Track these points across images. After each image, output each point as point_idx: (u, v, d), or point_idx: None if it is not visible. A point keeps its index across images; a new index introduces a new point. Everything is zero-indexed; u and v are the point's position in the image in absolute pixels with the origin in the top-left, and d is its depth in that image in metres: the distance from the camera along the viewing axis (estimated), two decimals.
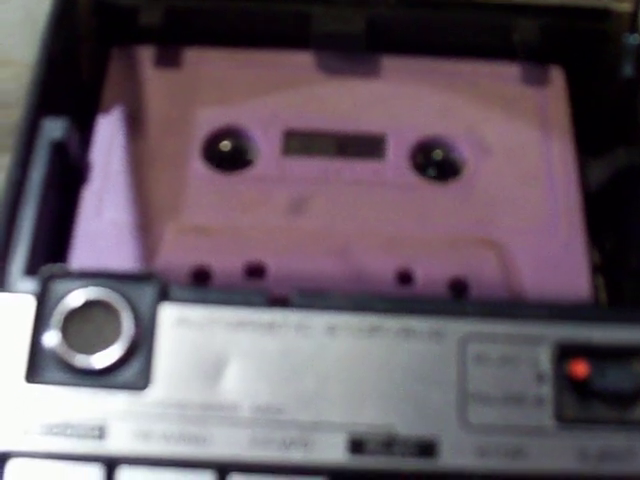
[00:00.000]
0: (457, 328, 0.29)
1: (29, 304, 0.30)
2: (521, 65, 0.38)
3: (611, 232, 0.36)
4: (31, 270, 0.31)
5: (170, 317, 0.29)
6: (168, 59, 0.38)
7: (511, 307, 0.30)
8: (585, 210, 0.35)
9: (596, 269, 0.35)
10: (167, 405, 0.29)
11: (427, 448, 0.28)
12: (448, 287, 0.32)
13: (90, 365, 0.29)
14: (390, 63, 0.38)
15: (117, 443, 0.28)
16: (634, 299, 0.34)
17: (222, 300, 0.30)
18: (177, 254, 0.33)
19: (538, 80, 0.38)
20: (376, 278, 0.32)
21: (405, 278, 0.32)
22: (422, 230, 0.34)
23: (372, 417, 0.28)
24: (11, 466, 0.28)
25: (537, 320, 0.29)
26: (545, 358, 0.29)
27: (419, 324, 0.29)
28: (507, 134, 0.36)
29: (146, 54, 0.38)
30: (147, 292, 0.30)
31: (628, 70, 0.36)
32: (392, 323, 0.29)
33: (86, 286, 0.30)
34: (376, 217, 0.34)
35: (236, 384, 0.29)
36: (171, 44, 0.38)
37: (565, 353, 0.29)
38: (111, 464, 0.28)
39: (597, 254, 0.36)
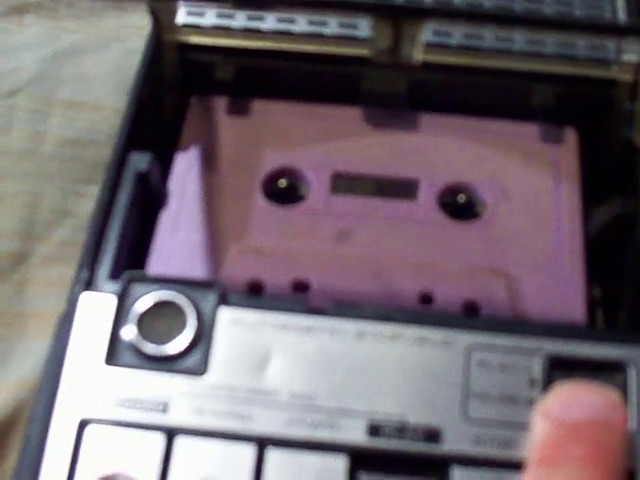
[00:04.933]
0: (464, 339, 0.33)
1: (112, 302, 0.34)
2: (538, 125, 0.41)
3: (610, 270, 0.39)
4: (115, 275, 0.35)
5: (227, 318, 0.33)
6: (238, 109, 0.41)
7: (511, 324, 0.34)
8: (587, 250, 0.38)
9: (597, 302, 0.39)
10: (220, 388, 0.32)
11: (433, 435, 0.32)
12: (462, 308, 0.36)
13: (159, 353, 0.33)
14: (426, 119, 0.41)
15: (177, 417, 0.32)
16: (628, 326, 0.37)
17: (269, 306, 0.34)
18: (237, 270, 0.37)
19: (553, 139, 0.41)
20: (402, 297, 0.36)
21: (426, 299, 0.36)
22: (444, 260, 0.37)
23: (388, 407, 0.32)
24: (89, 431, 0.32)
25: (532, 335, 0.33)
26: (537, 367, 0.32)
27: (433, 334, 0.33)
28: (524, 183, 0.39)
29: (220, 103, 0.42)
30: (209, 297, 0.34)
31: (627, 132, 0.39)
32: (410, 332, 0.33)
33: (158, 289, 0.34)
34: (406, 248, 0.38)
35: (277, 374, 0.33)
36: (241, 96, 0.42)
37: (554, 364, 0.33)
38: (171, 433, 0.32)
39: (598, 289, 0.39)
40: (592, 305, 0.38)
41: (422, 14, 0.36)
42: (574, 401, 0.31)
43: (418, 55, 0.38)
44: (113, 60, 0.51)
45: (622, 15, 0.43)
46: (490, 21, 0.37)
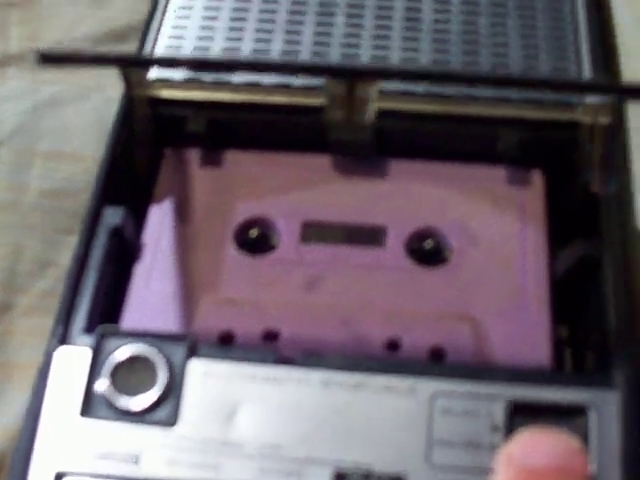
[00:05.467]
0: (428, 386, 0.34)
1: (86, 356, 0.35)
2: (505, 169, 0.41)
3: (577, 311, 0.39)
4: (89, 329, 0.36)
5: (197, 370, 0.34)
6: (211, 160, 0.42)
7: (474, 370, 0.35)
8: (553, 292, 0.38)
9: (564, 343, 0.39)
10: (190, 440, 0.33)
11: None
12: (428, 354, 0.37)
13: (131, 406, 0.34)
14: (393, 166, 0.42)
15: (149, 468, 0.33)
16: (594, 367, 0.37)
17: (239, 357, 0.35)
18: (209, 321, 0.38)
19: (520, 182, 0.41)
20: (370, 345, 0.37)
21: (393, 345, 0.37)
22: (411, 306, 0.38)
23: (354, 455, 0.33)
24: None
25: (495, 381, 0.34)
26: (499, 413, 0.33)
27: (397, 382, 0.34)
28: (491, 227, 0.40)
29: (193, 155, 0.42)
30: (180, 349, 0.35)
31: (589, 175, 0.39)
32: (375, 381, 0.34)
33: (131, 343, 0.35)
34: (374, 295, 0.38)
35: (246, 425, 0.34)
36: (214, 147, 0.42)
37: (516, 410, 0.33)
38: None
39: (566, 330, 0.39)
40: (560, 346, 0.38)
41: (376, 75, 0.37)
42: (535, 447, 0.32)
43: (370, 116, 0.39)
44: (93, 110, 0.52)
45: (587, 67, 0.43)
46: (454, 81, 0.38)
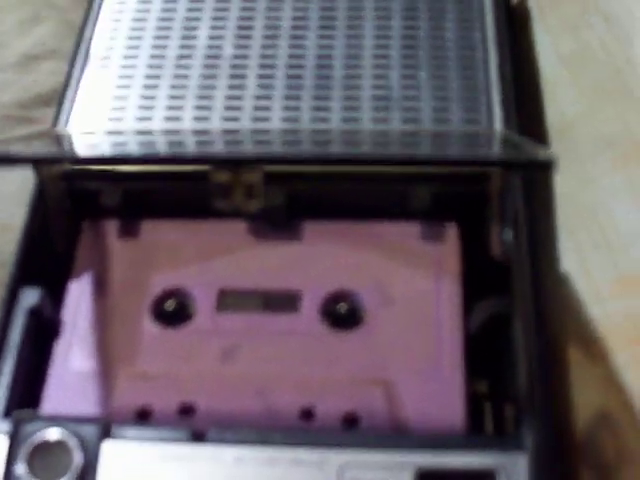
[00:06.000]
0: (338, 458, 0.34)
1: (4, 441, 0.35)
2: (420, 224, 0.42)
3: (494, 365, 0.39)
4: (7, 413, 0.36)
5: (111, 451, 0.35)
6: (128, 231, 0.43)
7: (382, 439, 0.35)
8: (468, 348, 0.39)
9: (483, 397, 0.39)
10: None
11: None
12: (342, 421, 0.37)
13: None
14: (308, 228, 0.42)
15: None
16: (514, 422, 0.37)
17: (153, 437, 0.35)
18: (126, 397, 0.38)
19: (434, 236, 0.41)
20: (284, 414, 0.37)
21: (307, 414, 0.37)
22: (325, 372, 0.38)
23: None
24: None
25: (403, 449, 0.34)
26: None
27: (308, 455, 0.34)
28: (406, 285, 0.40)
29: (111, 226, 0.43)
30: (93, 431, 0.35)
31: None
32: (286, 454, 0.34)
33: (47, 427, 0.35)
34: (289, 362, 0.39)
35: None
36: (131, 217, 0.43)
37: (424, 477, 0.34)
38: None
39: (486, 384, 0.39)
40: (478, 401, 0.39)
41: (259, 162, 0.37)
42: None
43: (255, 204, 0.39)
44: (21, 177, 0.51)
45: (498, 122, 0.43)
46: (337, 164, 0.38)
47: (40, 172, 0.41)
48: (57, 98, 0.52)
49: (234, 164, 0.37)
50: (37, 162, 0.39)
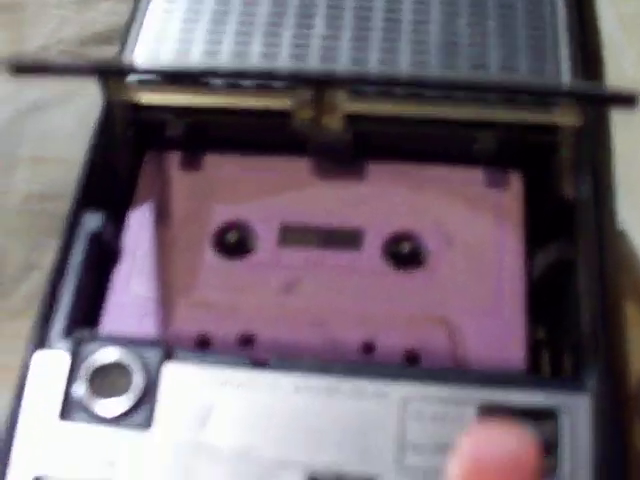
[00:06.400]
0: (400, 390, 0.34)
1: (64, 360, 0.36)
2: (483, 170, 0.42)
3: (554, 313, 0.39)
4: (69, 332, 0.37)
5: (172, 374, 0.35)
6: (190, 164, 0.43)
7: (445, 374, 0.35)
8: (530, 294, 0.38)
9: (542, 344, 0.39)
10: (164, 443, 0.34)
11: None
12: (403, 357, 0.37)
13: (107, 409, 0.35)
14: (372, 168, 0.42)
15: (124, 472, 0.34)
16: (571, 370, 0.37)
17: (214, 362, 0.35)
18: (186, 324, 0.38)
19: (498, 184, 0.41)
20: (345, 348, 0.37)
21: (368, 349, 0.37)
22: (387, 309, 0.38)
23: (326, 459, 0.33)
24: None
25: (466, 385, 0.34)
26: (469, 417, 0.34)
27: (370, 386, 0.34)
28: (468, 229, 0.40)
29: (173, 159, 0.43)
30: (155, 353, 0.35)
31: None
32: (347, 385, 0.34)
33: (107, 348, 0.35)
34: (350, 297, 0.39)
35: (219, 429, 0.34)
36: (193, 150, 0.43)
37: (487, 413, 0.34)
38: None
39: (544, 331, 0.39)
40: (537, 348, 0.39)
41: (345, 82, 0.37)
42: (486, 442, 0.32)
43: (338, 124, 0.39)
44: (76, 113, 0.53)
45: (566, 68, 0.43)
46: (431, 87, 0.38)
47: (107, 87, 0.41)
48: (115, 37, 0.53)
49: (324, 82, 0.37)
50: (101, 73, 0.39)
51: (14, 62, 0.34)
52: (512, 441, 0.32)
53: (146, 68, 0.40)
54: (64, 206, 0.46)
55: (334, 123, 0.39)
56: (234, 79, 0.41)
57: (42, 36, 0.55)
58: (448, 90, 0.41)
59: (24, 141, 0.52)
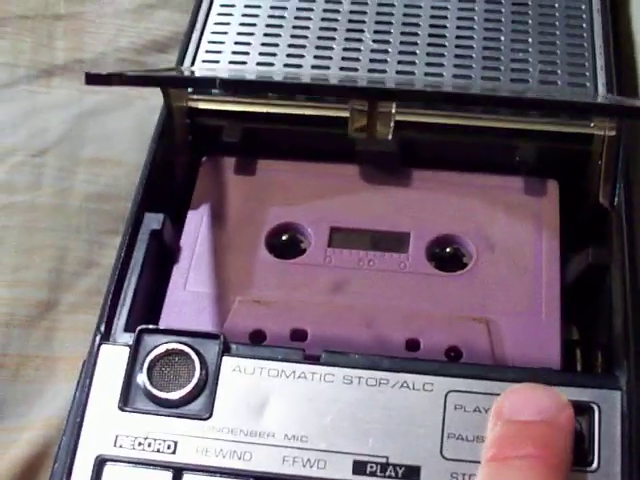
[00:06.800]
0: (443, 384, 0.36)
1: (126, 353, 0.38)
2: (522, 178, 0.43)
3: (587, 314, 0.41)
4: (130, 327, 0.39)
5: (229, 367, 0.37)
6: (245, 168, 0.45)
7: (484, 370, 0.37)
8: (565, 296, 0.40)
9: (575, 343, 0.41)
10: (222, 430, 0.36)
11: (412, 473, 0.35)
12: (446, 354, 0.39)
13: (168, 399, 0.37)
14: (416, 175, 0.44)
15: (184, 456, 0.36)
16: (604, 368, 0.39)
17: (267, 356, 0.37)
18: (241, 320, 0.40)
19: (536, 191, 0.43)
20: (391, 345, 0.39)
21: (413, 346, 0.39)
22: (431, 309, 0.40)
23: (373, 448, 0.35)
24: (106, 469, 0.36)
25: (504, 380, 0.36)
26: None
27: (414, 380, 0.37)
28: (508, 234, 0.42)
29: (229, 163, 0.45)
30: (213, 347, 0.37)
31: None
32: (394, 378, 0.37)
33: (167, 341, 0.38)
34: (396, 297, 0.41)
35: (273, 418, 0.36)
36: (248, 156, 0.45)
37: None
38: (179, 471, 0.36)
39: (577, 331, 0.42)
40: (570, 347, 0.41)
41: (396, 97, 0.39)
42: (524, 402, 0.34)
43: (389, 133, 0.41)
44: (134, 117, 0.54)
45: (602, 82, 0.45)
46: (474, 104, 0.40)
47: (168, 95, 0.43)
48: (170, 45, 0.55)
49: (374, 96, 0.39)
50: (169, 85, 0.42)
51: (87, 73, 0.36)
52: (549, 401, 0.34)
53: (210, 79, 0.42)
54: (121, 206, 0.50)
55: (385, 132, 0.41)
56: (301, 94, 0.44)
57: (100, 44, 0.57)
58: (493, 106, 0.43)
59: (84, 143, 0.53)
